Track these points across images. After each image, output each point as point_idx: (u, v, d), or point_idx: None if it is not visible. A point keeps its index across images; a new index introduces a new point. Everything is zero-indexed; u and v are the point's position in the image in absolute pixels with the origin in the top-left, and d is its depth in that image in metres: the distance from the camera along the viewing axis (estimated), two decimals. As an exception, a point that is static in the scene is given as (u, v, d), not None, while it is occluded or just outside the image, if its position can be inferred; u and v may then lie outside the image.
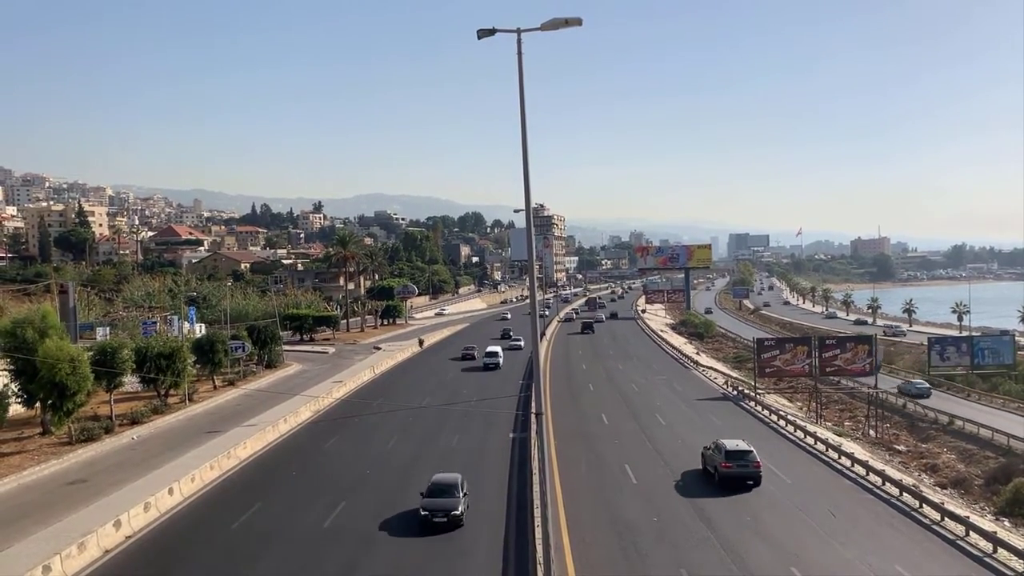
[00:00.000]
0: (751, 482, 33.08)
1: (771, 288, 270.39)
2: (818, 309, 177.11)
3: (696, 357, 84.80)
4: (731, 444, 34.12)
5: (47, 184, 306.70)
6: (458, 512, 28.15)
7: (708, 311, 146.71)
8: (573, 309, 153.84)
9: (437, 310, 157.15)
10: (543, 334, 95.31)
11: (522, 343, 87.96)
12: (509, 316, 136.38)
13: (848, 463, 37.28)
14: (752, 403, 54.25)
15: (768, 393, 60.57)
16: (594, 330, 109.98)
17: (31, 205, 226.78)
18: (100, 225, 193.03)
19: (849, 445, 43.53)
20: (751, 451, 33.78)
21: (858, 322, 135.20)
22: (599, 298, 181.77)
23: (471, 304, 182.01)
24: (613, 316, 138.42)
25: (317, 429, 47.53)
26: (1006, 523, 34.43)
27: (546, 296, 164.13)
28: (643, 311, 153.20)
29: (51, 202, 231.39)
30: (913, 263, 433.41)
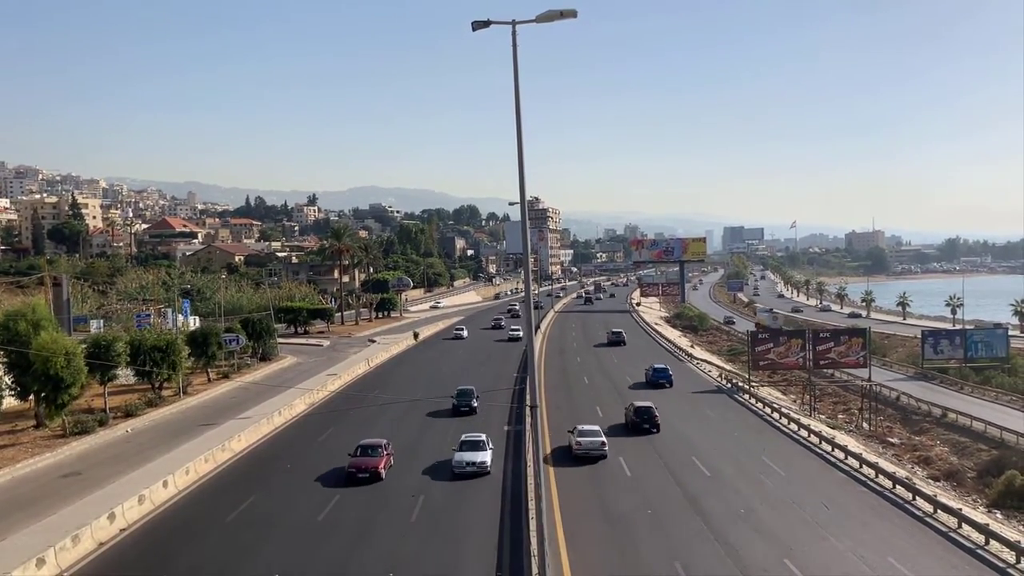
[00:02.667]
0: None
1: (763, 278, 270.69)
2: (812, 302, 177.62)
3: (690, 350, 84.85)
4: None
5: (40, 176, 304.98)
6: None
7: (730, 321, 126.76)
8: (584, 289, 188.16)
9: (432, 303, 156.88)
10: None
11: (488, 462, 34.70)
12: (465, 334, 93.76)
13: (841, 456, 37.45)
14: (746, 396, 54.38)
15: (762, 386, 60.69)
16: (593, 303, 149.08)
17: (24, 197, 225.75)
18: (94, 217, 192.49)
19: (842, 438, 43.73)
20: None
21: (852, 315, 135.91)
22: (601, 284, 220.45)
23: (466, 297, 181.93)
24: (611, 296, 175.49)
25: (312, 421, 47.51)
26: (998, 515, 34.67)
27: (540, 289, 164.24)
28: (637, 304, 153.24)
29: (44, 194, 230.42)
30: (907, 256, 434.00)
